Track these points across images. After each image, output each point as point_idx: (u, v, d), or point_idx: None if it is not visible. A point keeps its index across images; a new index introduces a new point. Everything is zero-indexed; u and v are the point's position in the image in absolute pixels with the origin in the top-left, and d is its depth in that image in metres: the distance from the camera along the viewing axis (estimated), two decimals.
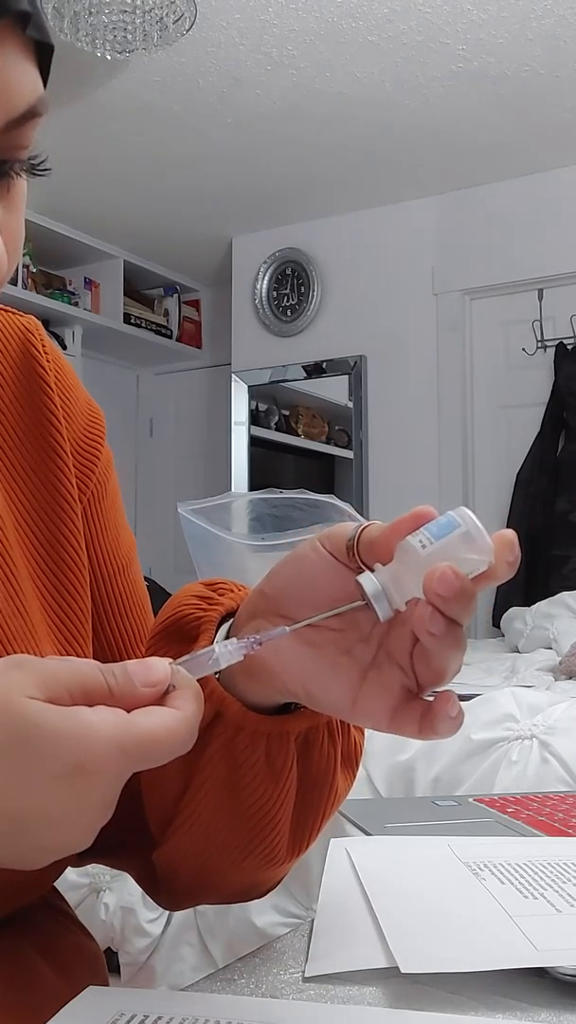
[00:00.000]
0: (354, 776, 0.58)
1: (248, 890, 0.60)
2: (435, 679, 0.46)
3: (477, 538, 0.42)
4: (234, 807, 0.53)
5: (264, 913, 1.64)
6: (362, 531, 0.46)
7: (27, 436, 0.60)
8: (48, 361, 0.62)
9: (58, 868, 0.59)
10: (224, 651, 0.45)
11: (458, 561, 0.42)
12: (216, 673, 0.50)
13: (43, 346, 0.62)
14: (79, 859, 0.62)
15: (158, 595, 0.46)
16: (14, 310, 0.64)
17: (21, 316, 0.63)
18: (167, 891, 0.62)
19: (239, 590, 0.57)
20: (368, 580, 0.44)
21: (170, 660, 0.43)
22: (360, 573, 0.45)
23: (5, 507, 0.58)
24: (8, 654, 0.50)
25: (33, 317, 0.64)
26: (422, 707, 0.46)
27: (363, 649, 0.48)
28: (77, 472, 0.62)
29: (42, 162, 0.51)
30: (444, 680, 0.46)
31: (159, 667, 0.42)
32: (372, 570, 0.45)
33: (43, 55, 0.48)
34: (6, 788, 0.38)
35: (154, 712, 0.41)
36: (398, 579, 0.44)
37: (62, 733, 0.38)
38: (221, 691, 0.51)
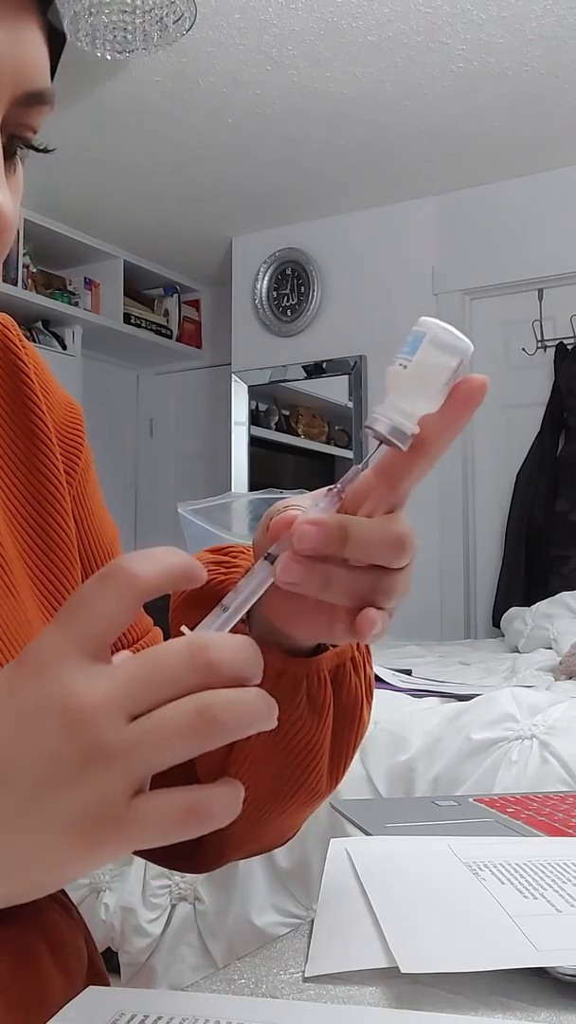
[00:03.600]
0: (371, 709, 0.60)
1: (285, 832, 0.63)
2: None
3: (445, 337, 0.43)
4: (281, 749, 0.55)
5: (264, 913, 1.64)
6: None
7: (10, 424, 0.61)
8: (27, 356, 0.63)
9: None
10: (263, 570, 0.44)
11: (437, 368, 0.43)
12: (245, 620, 0.51)
13: (20, 340, 0.64)
14: None
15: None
16: None
17: None
18: (214, 851, 0.64)
19: (248, 551, 0.59)
20: (378, 420, 0.44)
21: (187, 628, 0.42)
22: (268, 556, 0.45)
23: None
24: None
25: (6, 314, 0.65)
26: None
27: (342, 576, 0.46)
28: (63, 459, 0.63)
29: (45, 145, 0.53)
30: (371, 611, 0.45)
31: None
32: (270, 555, 0.45)
33: (55, 46, 0.50)
34: None
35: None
36: (400, 408, 0.44)
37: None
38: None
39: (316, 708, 0.55)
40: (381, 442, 0.45)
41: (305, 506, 0.46)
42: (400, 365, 0.44)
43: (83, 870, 0.37)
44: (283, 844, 0.65)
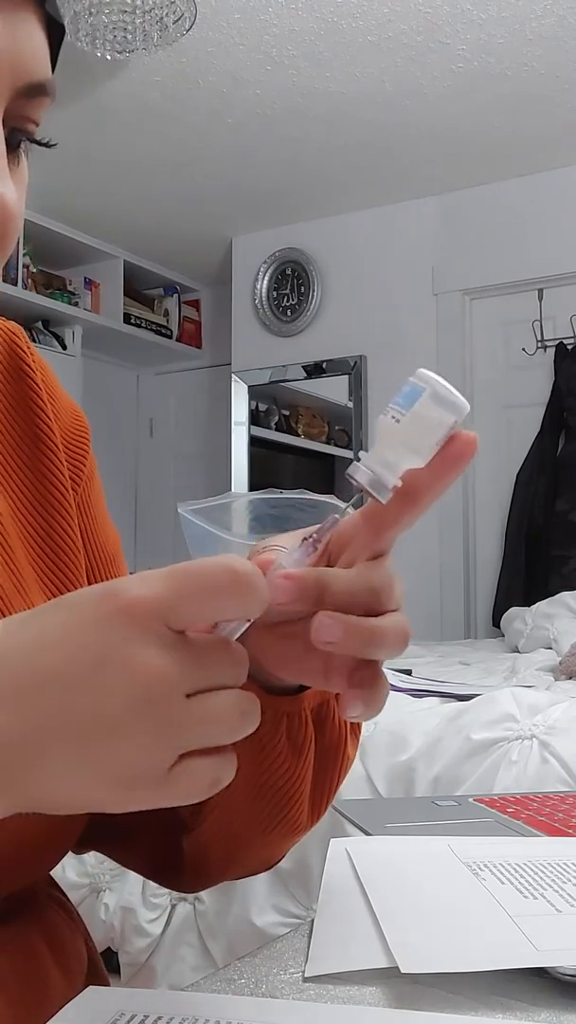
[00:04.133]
0: (359, 740, 0.60)
1: (268, 860, 0.63)
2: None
3: (444, 394, 0.42)
4: (261, 785, 0.55)
5: (264, 913, 1.64)
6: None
7: (17, 430, 0.62)
8: (34, 362, 0.64)
9: (60, 847, 0.59)
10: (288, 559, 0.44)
11: (433, 424, 0.42)
12: None
13: (28, 348, 0.64)
14: (81, 847, 0.63)
15: None
16: None
17: (6, 322, 0.65)
18: (194, 874, 0.64)
19: None
20: (359, 470, 0.43)
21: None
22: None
23: (1, 496, 0.59)
24: None
25: (15, 323, 0.66)
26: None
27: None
28: (69, 464, 0.63)
29: (48, 139, 0.52)
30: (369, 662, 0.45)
31: None
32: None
33: (54, 37, 0.50)
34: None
35: None
36: (385, 460, 0.43)
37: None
38: None
39: (296, 746, 0.55)
40: (361, 493, 0.44)
41: (286, 546, 0.46)
42: (393, 418, 0.42)
43: (99, 809, 0.38)
44: (267, 871, 0.65)
